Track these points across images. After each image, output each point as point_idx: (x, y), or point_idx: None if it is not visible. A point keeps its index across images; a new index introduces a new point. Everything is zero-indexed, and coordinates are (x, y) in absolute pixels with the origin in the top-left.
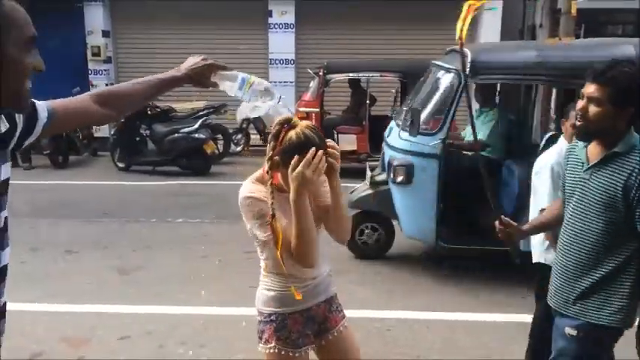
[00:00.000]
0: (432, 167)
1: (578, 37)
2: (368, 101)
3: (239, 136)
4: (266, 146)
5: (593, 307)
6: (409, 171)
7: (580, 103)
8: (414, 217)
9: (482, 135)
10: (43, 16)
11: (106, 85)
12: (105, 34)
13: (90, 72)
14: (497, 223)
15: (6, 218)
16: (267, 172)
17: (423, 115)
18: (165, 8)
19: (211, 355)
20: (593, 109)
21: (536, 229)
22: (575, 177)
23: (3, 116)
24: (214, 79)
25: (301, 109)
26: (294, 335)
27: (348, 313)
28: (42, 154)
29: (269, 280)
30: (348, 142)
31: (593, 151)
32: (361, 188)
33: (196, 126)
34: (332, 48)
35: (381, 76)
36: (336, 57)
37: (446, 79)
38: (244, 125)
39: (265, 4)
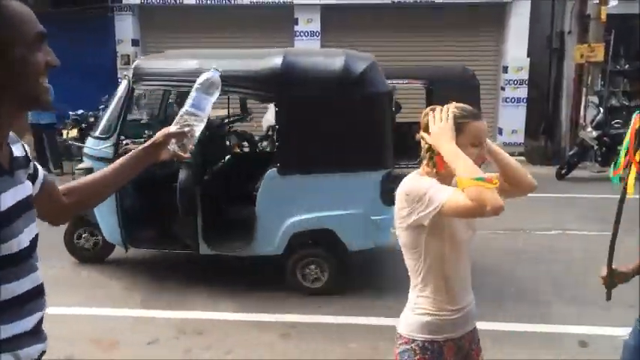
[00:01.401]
0: None
1: (608, 43)
2: (393, 108)
3: (264, 143)
4: None
5: None
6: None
7: None
8: (103, 220)
9: None
10: (75, 25)
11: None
12: (134, 42)
13: (120, 80)
14: (603, 274)
15: (36, 234)
16: (429, 164)
17: (103, 121)
18: (192, 17)
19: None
20: None
21: None
22: None
23: (23, 146)
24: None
25: None
26: None
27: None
28: (72, 160)
29: (424, 301)
30: None
31: None
32: None
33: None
34: None
35: (406, 82)
36: None
37: (122, 86)
38: (270, 132)
39: (291, 12)
